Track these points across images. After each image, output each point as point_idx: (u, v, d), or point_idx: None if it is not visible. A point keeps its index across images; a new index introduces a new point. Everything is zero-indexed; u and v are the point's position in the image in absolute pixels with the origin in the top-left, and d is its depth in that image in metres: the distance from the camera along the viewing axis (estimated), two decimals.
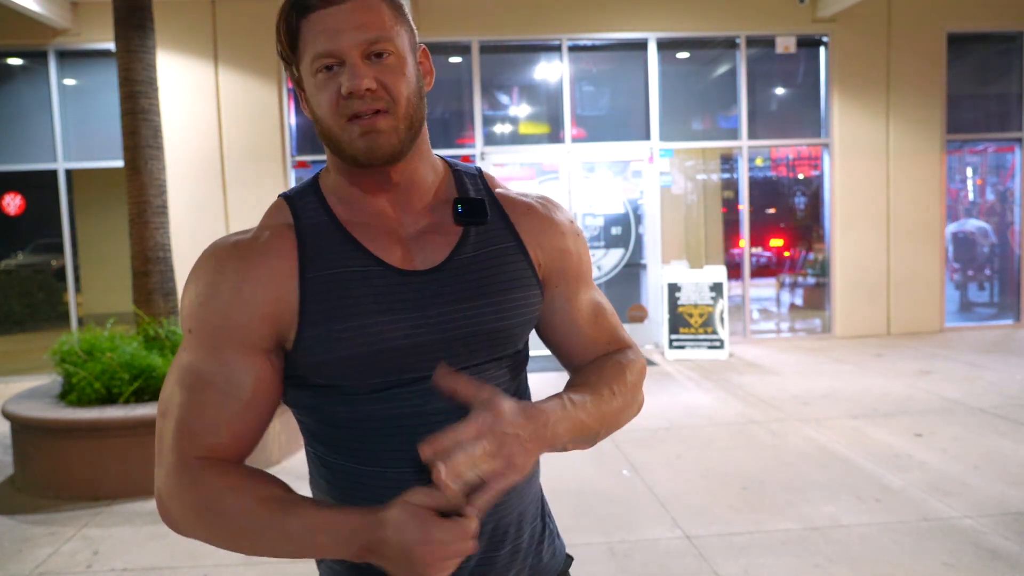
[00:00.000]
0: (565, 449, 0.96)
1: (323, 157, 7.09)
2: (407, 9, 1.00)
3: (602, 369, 1.08)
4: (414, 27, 1.01)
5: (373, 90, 0.92)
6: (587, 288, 1.14)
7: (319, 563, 1.08)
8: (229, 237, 0.99)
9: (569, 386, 1.05)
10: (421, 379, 0.96)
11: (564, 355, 1.14)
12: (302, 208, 1.00)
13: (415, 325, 0.96)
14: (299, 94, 1.01)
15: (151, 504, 4.04)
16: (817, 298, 8.97)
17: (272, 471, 4.47)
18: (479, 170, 1.11)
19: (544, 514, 1.14)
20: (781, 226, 9.52)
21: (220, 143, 7.89)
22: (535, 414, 0.91)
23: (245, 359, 0.94)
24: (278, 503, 0.89)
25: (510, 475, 0.85)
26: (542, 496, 1.15)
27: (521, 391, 1.09)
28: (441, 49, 8.19)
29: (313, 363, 0.95)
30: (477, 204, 1.04)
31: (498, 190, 1.10)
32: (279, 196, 1.04)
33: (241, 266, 0.95)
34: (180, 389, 0.94)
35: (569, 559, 1.18)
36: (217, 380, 0.93)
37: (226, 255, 0.96)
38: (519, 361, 1.08)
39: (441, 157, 1.10)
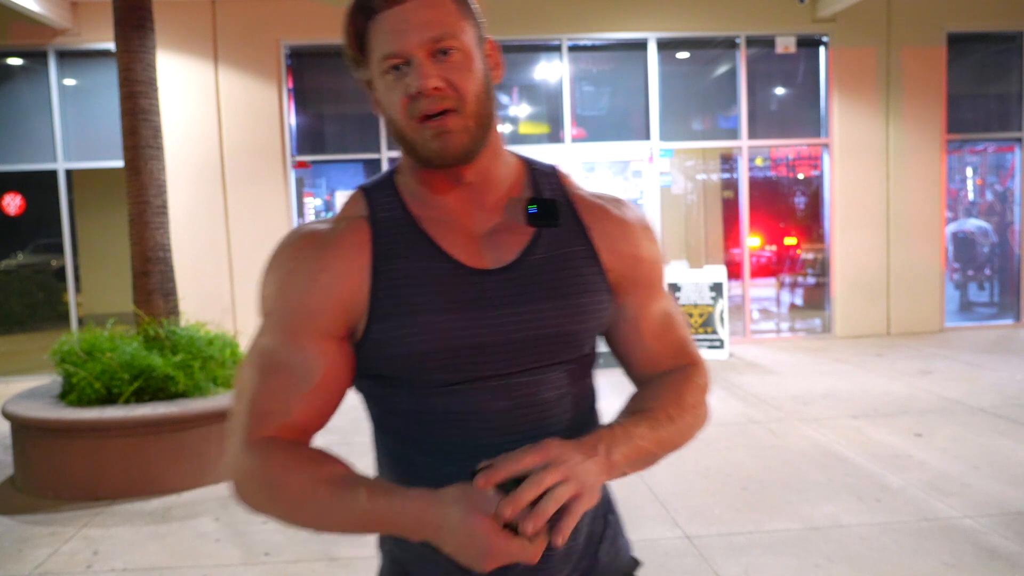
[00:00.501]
0: (624, 474, 0.96)
1: (324, 157, 7.14)
2: (471, 2, 0.99)
3: (659, 392, 1.06)
4: (480, 20, 1.00)
5: (440, 89, 0.92)
6: (658, 298, 1.10)
7: (380, 546, 1.09)
8: (307, 225, 1.01)
9: (626, 411, 1.03)
10: (484, 378, 0.97)
11: (628, 366, 1.12)
12: (378, 201, 1.01)
13: (482, 325, 0.96)
14: (369, 95, 1.01)
15: (151, 504, 4.04)
16: (817, 298, 8.97)
17: None
18: (555, 168, 1.09)
19: (607, 512, 1.12)
20: (781, 226, 9.52)
21: (220, 143, 7.89)
22: (588, 442, 0.91)
23: (318, 345, 0.96)
24: (337, 483, 0.90)
25: (586, 498, 0.86)
26: (607, 496, 1.13)
27: (583, 396, 1.07)
28: None
29: (379, 356, 0.96)
30: (550, 205, 1.02)
31: (573, 190, 1.08)
32: (357, 188, 1.05)
33: (317, 255, 0.97)
34: (255, 371, 0.97)
35: (635, 562, 1.16)
36: (290, 363, 0.95)
37: (304, 243, 0.98)
38: (584, 366, 1.06)
39: (515, 153, 1.09)
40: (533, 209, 1.01)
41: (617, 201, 1.10)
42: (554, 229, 1.02)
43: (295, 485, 0.91)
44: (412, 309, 0.95)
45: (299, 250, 0.98)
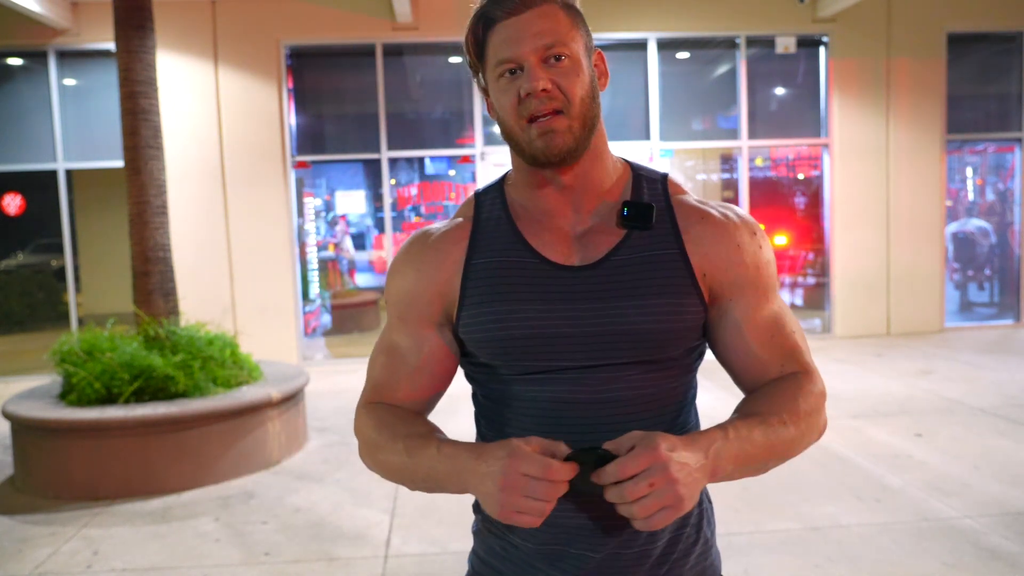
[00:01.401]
0: (731, 478, 0.96)
1: (324, 157, 7.14)
2: (583, 14, 1.09)
3: (772, 396, 1.04)
4: (590, 31, 1.09)
5: (548, 90, 1.00)
6: (764, 304, 1.07)
7: (475, 533, 1.16)
8: (424, 227, 1.15)
9: (738, 412, 1.03)
10: (562, 369, 1.02)
11: (734, 373, 1.12)
12: (484, 202, 1.12)
13: (559, 316, 1.01)
14: (485, 99, 1.10)
15: (151, 504, 4.04)
16: (817, 298, 8.96)
17: (272, 471, 4.47)
18: (664, 176, 1.12)
19: (701, 525, 1.11)
20: (781, 226, 9.51)
21: (220, 143, 7.89)
22: (700, 443, 0.91)
23: (420, 331, 1.10)
24: (416, 438, 1.02)
25: (673, 511, 0.87)
26: (702, 507, 1.12)
27: (670, 398, 1.07)
28: (441, 49, 8.18)
29: (469, 341, 1.07)
30: (644, 209, 1.05)
31: (678, 196, 1.10)
32: (474, 192, 1.16)
33: (423, 251, 1.10)
34: (377, 352, 1.15)
35: None
36: (399, 345, 1.11)
37: (413, 243, 1.13)
38: (672, 369, 1.06)
39: (624, 159, 1.13)
40: (625, 212, 1.05)
41: (725, 208, 1.10)
42: (645, 232, 1.05)
43: (382, 439, 1.05)
44: (495, 298, 1.03)
45: (410, 247, 1.12)
